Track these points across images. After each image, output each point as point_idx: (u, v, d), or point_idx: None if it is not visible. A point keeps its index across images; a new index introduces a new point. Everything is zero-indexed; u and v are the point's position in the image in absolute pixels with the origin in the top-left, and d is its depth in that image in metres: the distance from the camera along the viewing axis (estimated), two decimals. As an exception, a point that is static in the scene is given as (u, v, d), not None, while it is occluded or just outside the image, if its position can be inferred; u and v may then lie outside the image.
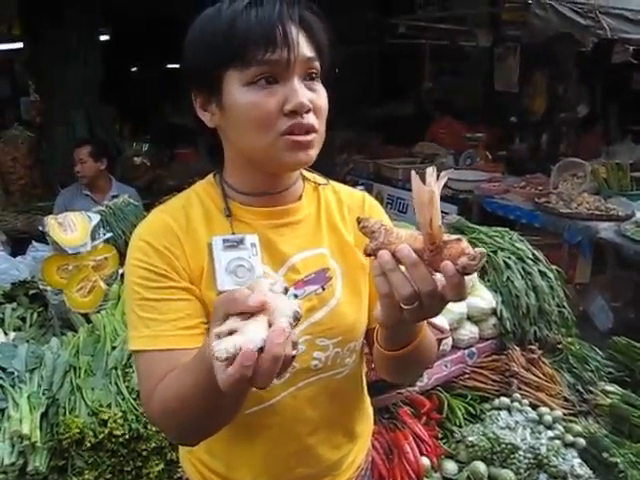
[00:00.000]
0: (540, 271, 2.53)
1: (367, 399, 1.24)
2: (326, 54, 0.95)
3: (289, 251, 1.02)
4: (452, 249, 0.72)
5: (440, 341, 2.10)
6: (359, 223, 0.78)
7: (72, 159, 3.80)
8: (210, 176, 1.06)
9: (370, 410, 1.26)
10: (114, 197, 3.63)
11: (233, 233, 0.98)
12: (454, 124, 6.49)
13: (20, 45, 5.58)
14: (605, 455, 2.12)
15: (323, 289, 1.03)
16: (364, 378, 1.20)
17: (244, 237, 0.98)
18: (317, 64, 0.93)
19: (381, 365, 1.03)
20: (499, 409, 2.24)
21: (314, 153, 0.94)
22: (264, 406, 1.00)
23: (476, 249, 0.71)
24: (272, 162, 0.94)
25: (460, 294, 0.72)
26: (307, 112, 0.90)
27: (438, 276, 0.73)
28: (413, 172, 0.74)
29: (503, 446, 2.06)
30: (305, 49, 0.90)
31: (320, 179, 1.12)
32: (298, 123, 0.89)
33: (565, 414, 2.28)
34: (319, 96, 0.93)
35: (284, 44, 0.87)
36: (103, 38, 5.85)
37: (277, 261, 1.01)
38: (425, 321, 0.90)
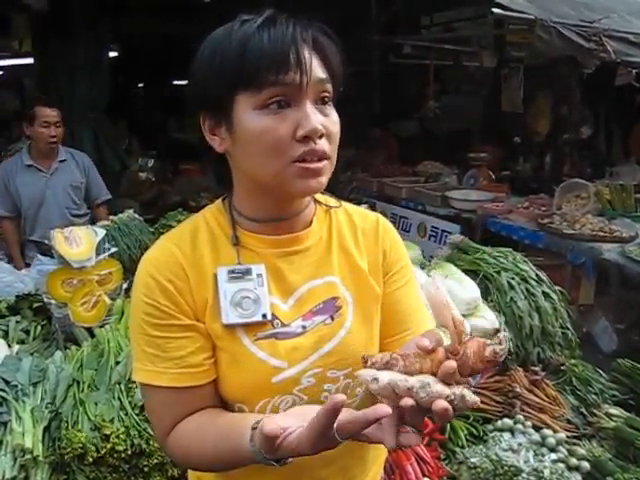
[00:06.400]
0: (543, 292, 2.53)
1: None
2: (339, 77, 0.93)
3: (298, 280, 1.00)
4: (473, 346, 0.75)
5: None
6: (366, 362, 0.78)
7: (33, 119, 3.35)
8: (219, 201, 1.04)
9: None
10: (62, 162, 3.49)
11: (239, 262, 0.97)
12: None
13: (30, 60, 5.65)
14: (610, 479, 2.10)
15: (332, 319, 1.00)
16: None
17: (250, 268, 0.96)
18: (329, 87, 0.91)
19: None
20: (502, 430, 2.23)
21: (325, 180, 0.91)
22: None
23: (498, 335, 0.76)
24: (282, 189, 0.91)
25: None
26: (320, 137, 0.88)
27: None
28: (422, 283, 0.80)
29: (506, 468, 2.04)
30: (318, 71, 0.88)
31: (332, 201, 1.09)
32: (311, 150, 0.87)
33: (569, 437, 2.26)
34: (331, 121, 0.91)
35: (297, 66, 0.84)
36: (111, 55, 5.92)
37: (285, 291, 0.99)
38: None
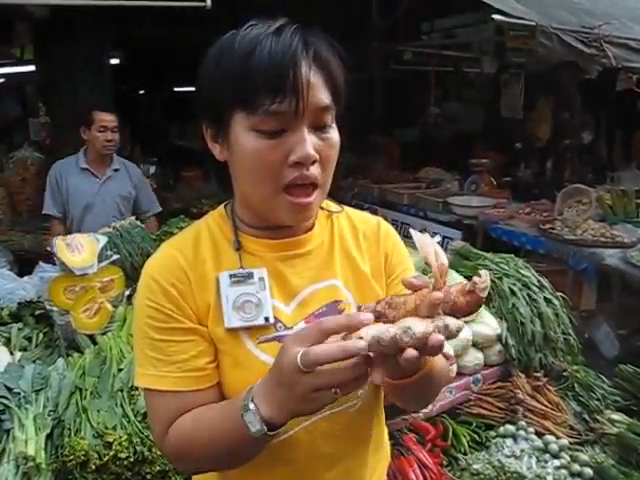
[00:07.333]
0: (545, 298, 2.52)
1: (384, 430, 1.19)
2: (343, 93, 0.91)
3: (300, 284, 1.00)
4: (456, 287, 0.77)
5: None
6: (359, 309, 0.83)
7: (91, 123, 3.34)
8: (221, 207, 1.05)
9: (387, 441, 1.21)
10: (116, 171, 3.50)
11: (242, 267, 0.98)
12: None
13: (32, 68, 5.67)
14: (612, 485, 2.10)
15: None
16: (381, 408, 1.14)
17: (252, 272, 0.97)
18: (331, 111, 0.89)
19: (390, 392, 1.02)
20: (504, 437, 2.23)
21: (313, 212, 0.94)
22: (277, 441, 0.92)
23: (479, 271, 0.77)
24: (270, 215, 0.93)
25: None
26: (313, 164, 0.87)
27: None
28: (412, 230, 0.83)
29: (508, 475, 2.04)
30: (319, 93, 0.87)
31: (334, 206, 1.10)
32: (302, 175, 0.87)
33: (571, 443, 2.26)
34: (328, 144, 0.89)
35: (293, 93, 0.83)
36: (113, 61, 5.94)
37: (288, 294, 1.00)
38: None
